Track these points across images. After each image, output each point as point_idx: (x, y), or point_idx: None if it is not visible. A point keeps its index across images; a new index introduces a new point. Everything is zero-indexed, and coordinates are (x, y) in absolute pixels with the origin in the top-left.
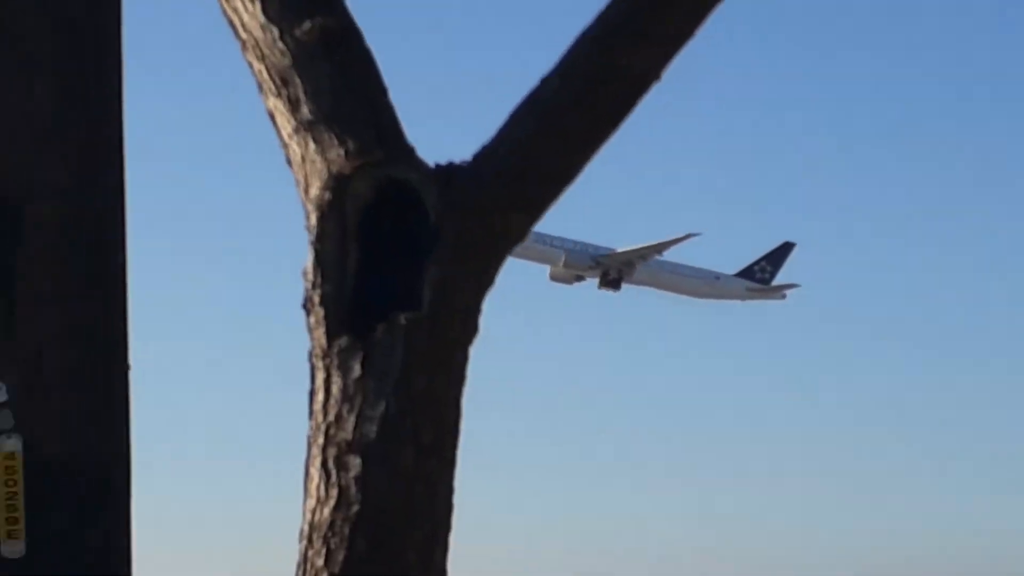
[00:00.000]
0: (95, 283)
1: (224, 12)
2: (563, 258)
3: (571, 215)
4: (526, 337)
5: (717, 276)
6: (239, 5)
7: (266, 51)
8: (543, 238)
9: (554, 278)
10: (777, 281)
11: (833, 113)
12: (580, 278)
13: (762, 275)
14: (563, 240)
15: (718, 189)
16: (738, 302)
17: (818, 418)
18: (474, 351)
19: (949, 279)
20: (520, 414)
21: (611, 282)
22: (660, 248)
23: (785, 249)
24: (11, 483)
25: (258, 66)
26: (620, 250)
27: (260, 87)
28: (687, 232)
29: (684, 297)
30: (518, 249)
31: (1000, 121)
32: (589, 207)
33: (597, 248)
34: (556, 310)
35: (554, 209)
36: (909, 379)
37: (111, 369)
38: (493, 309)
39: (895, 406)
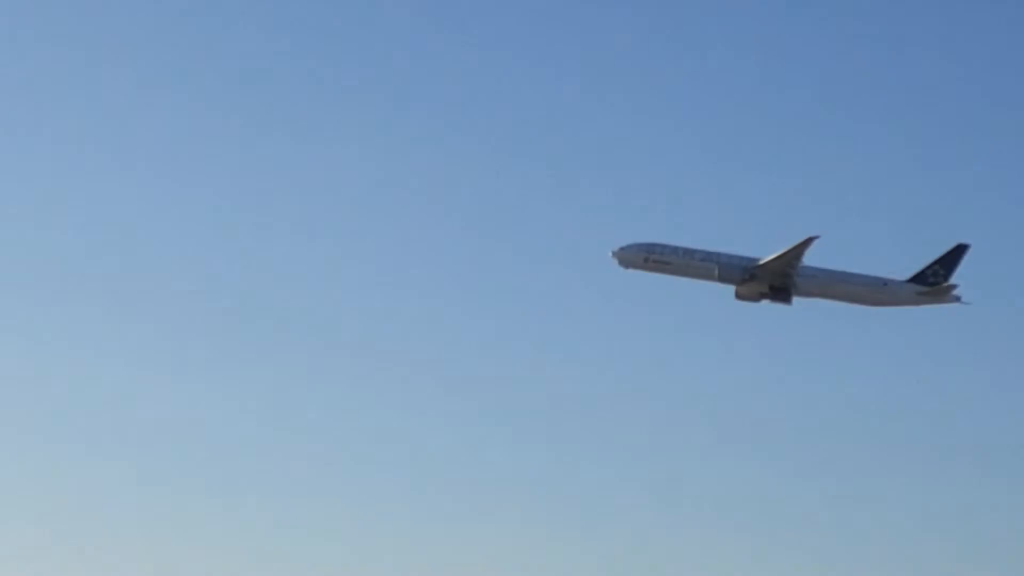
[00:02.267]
0: None
1: None
2: (716, 271)
3: (722, 229)
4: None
5: (885, 282)
6: None
7: None
8: (694, 253)
9: (739, 296)
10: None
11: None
12: (764, 295)
13: (935, 279)
14: (714, 254)
15: (890, 194)
16: (910, 307)
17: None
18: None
19: None
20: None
21: (779, 293)
22: (790, 257)
23: (958, 251)
24: None
25: None
26: (764, 260)
27: None
28: (807, 236)
29: (855, 306)
30: (675, 267)
31: None
32: (747, 217)
33: (746, 260)
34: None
35: (697, 222)
36: None
37: None
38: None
39: None
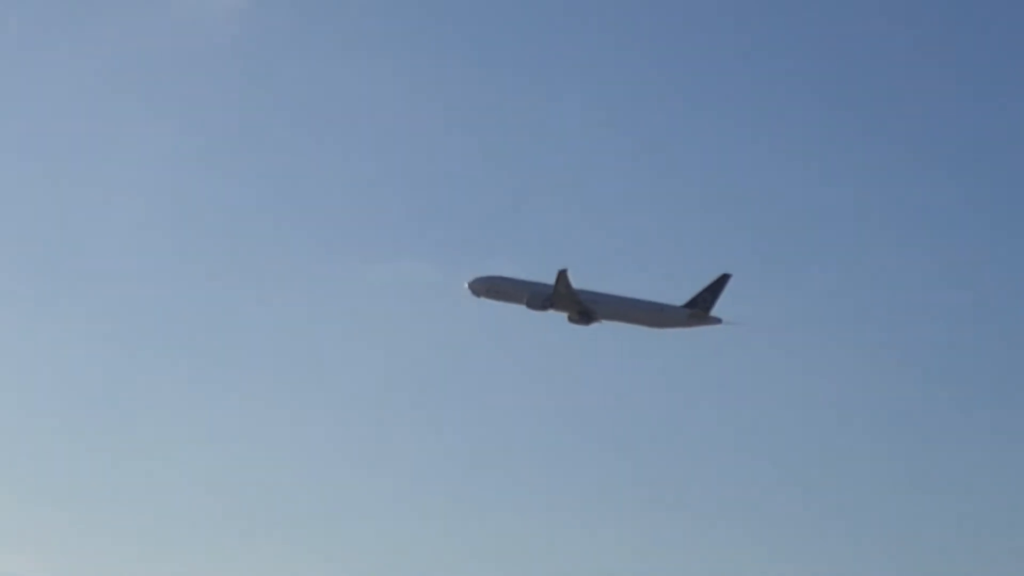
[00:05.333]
0: None
1: None
2: (526, 298)
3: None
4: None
5: (662, 307)
6: None
7: None
8: (520, 284)
9: (570, 320)
10: (717, 308)
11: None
12: (578, 318)
13: (704, 304)
14: (533, 285)
15: (667, 226)
16: (683, 329)
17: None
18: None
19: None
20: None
21: (583, 317)
22: (559, 287)
23: (722, 280)
24: None
25: None
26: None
27: None
28: (560, 268)
29: (642, 327)
30: (491, 291)
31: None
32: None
33: (549, 289)
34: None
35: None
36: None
37: None
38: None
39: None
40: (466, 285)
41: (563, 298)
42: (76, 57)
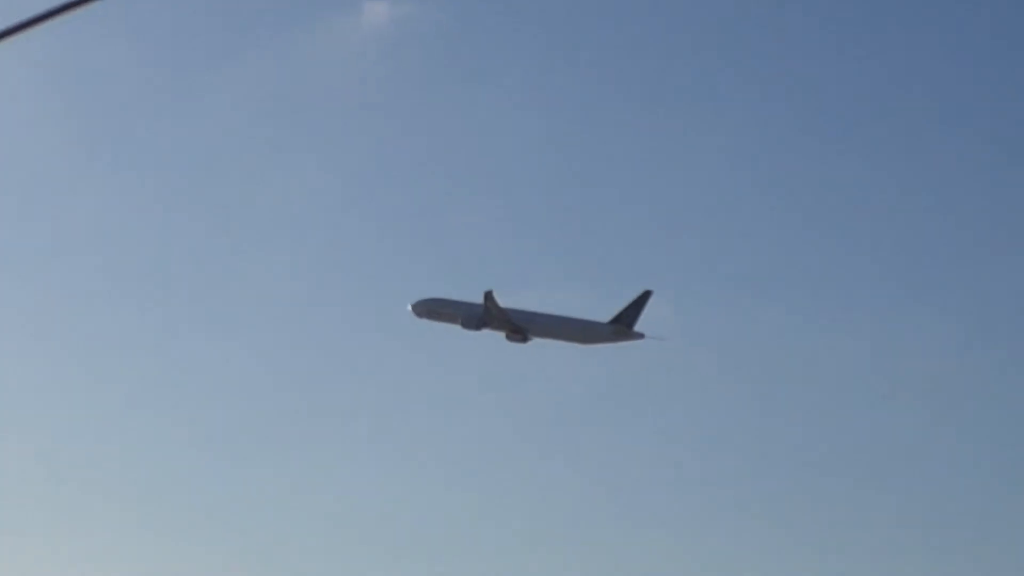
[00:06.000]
0: None
1: None
2: (460, 319)
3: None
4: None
5: (588, 324)
6: None
7: None
8: (457, 305)
9: (508, 339)
10: (640, 323)
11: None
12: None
13: (627, 320)
14: (467, 306)
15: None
16: (609, 344)
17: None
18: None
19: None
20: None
21: (517, 335)
22: (488, 308)
23: (644, 297)
24: None
25: None
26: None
27: None
28: (487, 289)
29: (571, 344)
30: (431, 313)
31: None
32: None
33: (481, 309)
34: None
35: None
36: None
37: None
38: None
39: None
40: (409, 307)
41: (494, 318)
42: (225, 84)
